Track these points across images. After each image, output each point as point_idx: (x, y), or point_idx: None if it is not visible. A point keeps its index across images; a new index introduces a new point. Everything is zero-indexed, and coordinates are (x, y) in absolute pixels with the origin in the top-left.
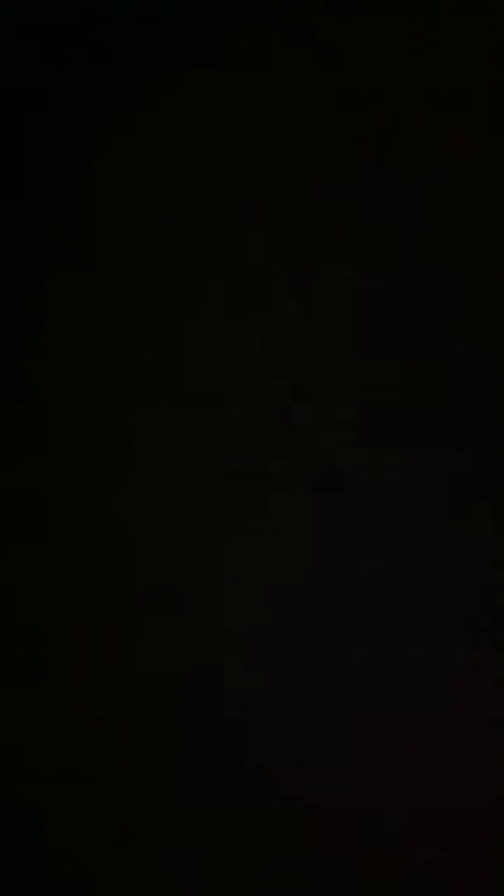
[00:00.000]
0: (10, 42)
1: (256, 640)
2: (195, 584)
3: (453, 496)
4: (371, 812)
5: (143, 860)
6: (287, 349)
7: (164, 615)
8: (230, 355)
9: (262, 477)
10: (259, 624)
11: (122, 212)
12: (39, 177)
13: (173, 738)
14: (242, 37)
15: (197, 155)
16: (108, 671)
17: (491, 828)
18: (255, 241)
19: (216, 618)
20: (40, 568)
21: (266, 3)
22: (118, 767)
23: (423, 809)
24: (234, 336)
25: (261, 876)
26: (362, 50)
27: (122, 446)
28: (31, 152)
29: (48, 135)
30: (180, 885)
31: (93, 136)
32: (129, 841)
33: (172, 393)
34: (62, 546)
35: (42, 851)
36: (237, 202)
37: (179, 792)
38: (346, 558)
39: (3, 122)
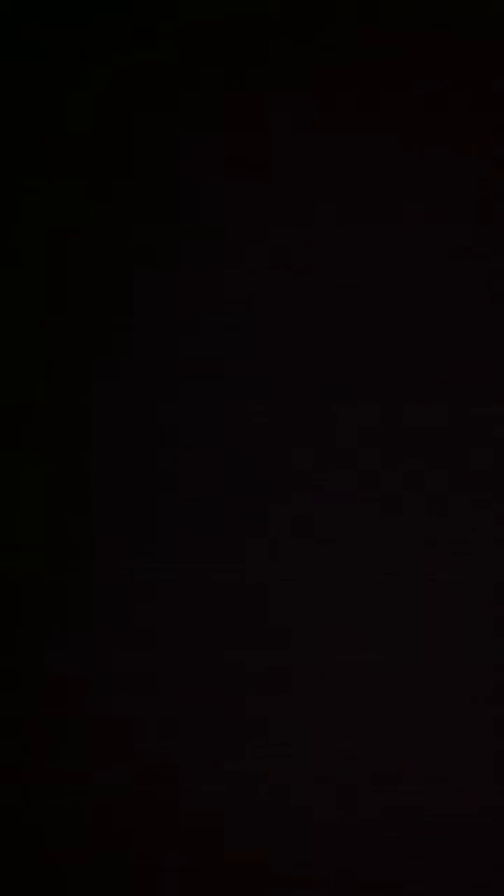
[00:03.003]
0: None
1: (256, 642)
2: (204, 583)
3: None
4: (372, 814)
5: (142, 861)
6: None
7: (172, 613)
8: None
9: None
10: (259, 625)
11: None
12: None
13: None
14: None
15: (200, 158)
16: (111, 670)
17: (491, 831)
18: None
19: (221, 617)
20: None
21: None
22: (118, 769)
23: (425, 813)
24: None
25: (261, 877)
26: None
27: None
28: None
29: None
30: (179, 884)
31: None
32: (128, 841)
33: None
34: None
35: (41, 852)
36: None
37: (179, 794)
38: (349, 561)
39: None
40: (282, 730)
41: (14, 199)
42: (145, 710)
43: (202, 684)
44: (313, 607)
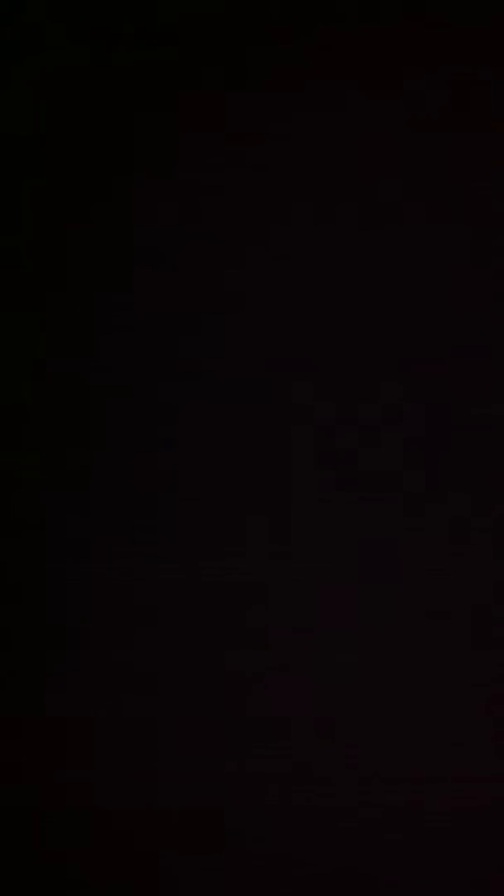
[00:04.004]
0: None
1: (257, 642)
2: (206, 582)
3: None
4: (372, 812)
5: (141, 861)
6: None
7: (174, 613)
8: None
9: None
10: (261, 625)
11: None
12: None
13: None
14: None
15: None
16: (111, 669)
17: (491, 827)
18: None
19: (223, 615)
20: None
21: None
22: (118, 766)
23: (426, 811)
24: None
25: (260, 877)
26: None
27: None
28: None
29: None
30: (179, 884)
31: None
32: (128, 840)
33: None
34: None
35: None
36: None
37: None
38: (355, 559)
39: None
40: (282, 729)
41: (14, 199)
42: (145, 711)
43: (202, 684)
44: (314, 607)
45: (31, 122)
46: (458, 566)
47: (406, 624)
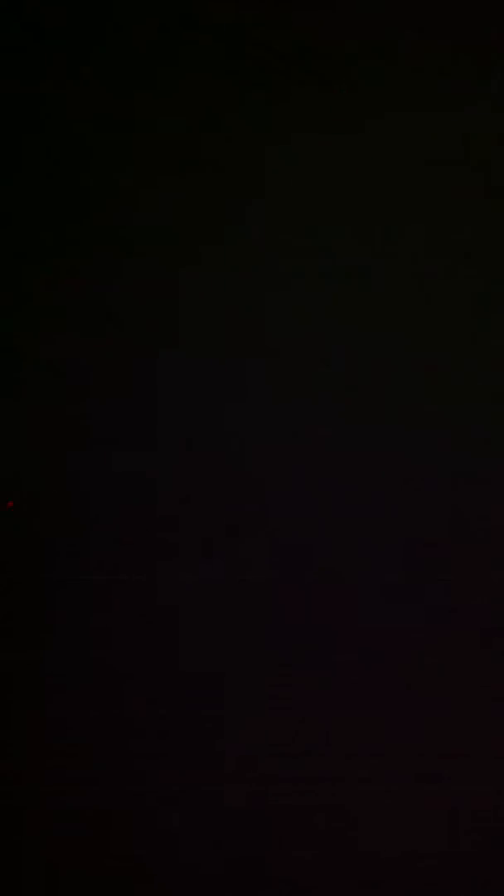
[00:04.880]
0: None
1: (255, 647)
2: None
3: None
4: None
5: (139, 862)
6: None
7: (174, 613)
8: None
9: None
10: (261, 625)
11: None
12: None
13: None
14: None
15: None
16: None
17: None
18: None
19: (223, 615)
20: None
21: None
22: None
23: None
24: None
25: (260, 877)
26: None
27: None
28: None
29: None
30: (178, 884)
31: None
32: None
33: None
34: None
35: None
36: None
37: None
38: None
39: None
40: (282, 731)
41: (15, 198)
42: (146, 711)
43: (202, 685)
44: (314, 608)
45: (32, 122)
46: (462, 568)
47: (408, 625)
